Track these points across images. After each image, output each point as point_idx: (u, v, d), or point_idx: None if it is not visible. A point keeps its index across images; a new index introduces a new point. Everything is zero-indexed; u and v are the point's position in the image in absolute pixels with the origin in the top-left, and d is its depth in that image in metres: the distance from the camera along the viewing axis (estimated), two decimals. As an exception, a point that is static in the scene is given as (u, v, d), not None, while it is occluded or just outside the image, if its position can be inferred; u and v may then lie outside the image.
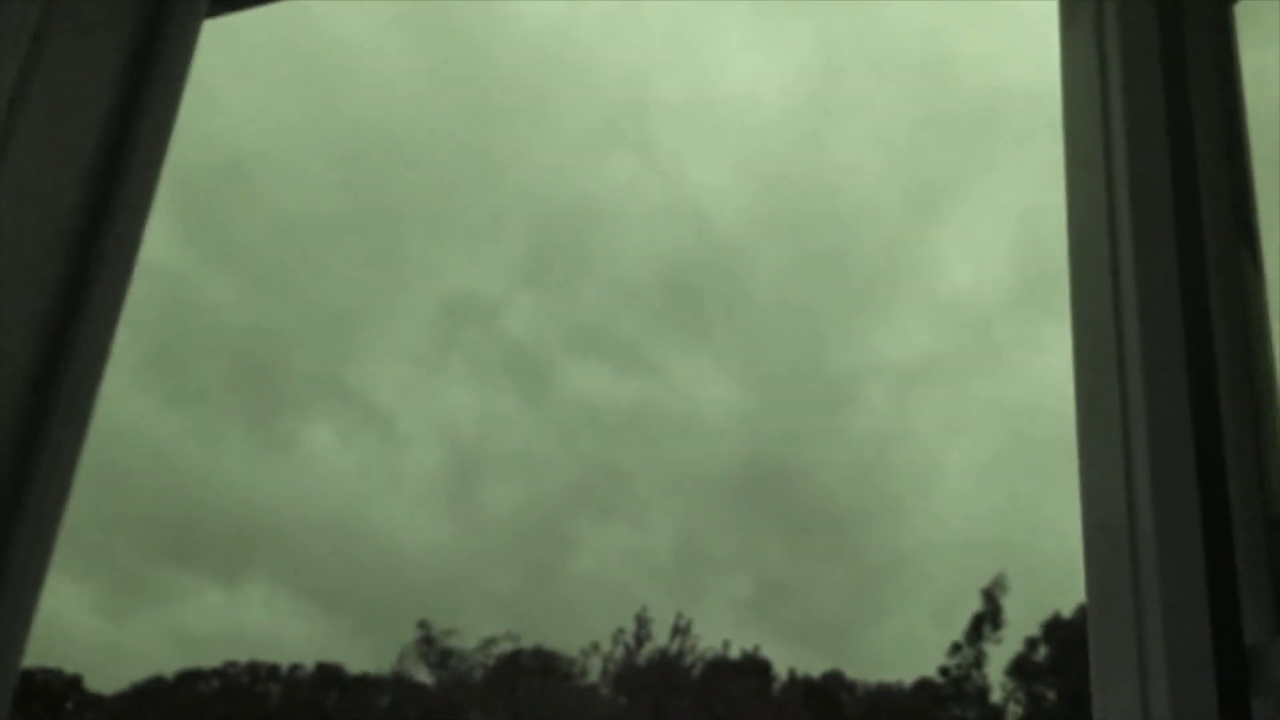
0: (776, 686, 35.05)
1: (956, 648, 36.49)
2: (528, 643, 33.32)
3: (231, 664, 37.81)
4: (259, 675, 37.75)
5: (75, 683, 37.11)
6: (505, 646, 33.45)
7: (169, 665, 38.47)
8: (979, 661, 36.15)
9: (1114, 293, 1.46)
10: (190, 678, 37.45)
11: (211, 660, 38.40)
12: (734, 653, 33.31)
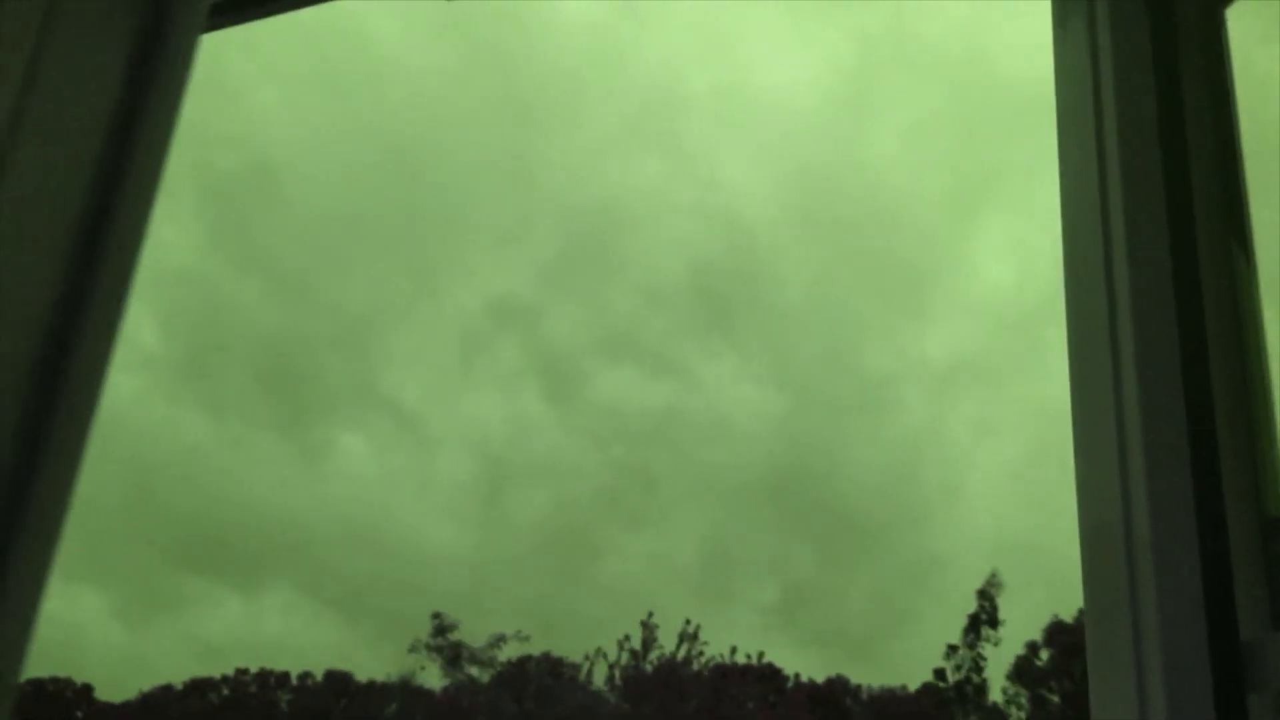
0: (783, 692, 34.99)
1: (952, 649, 36.33)
2: (548, 649, 33.28)
3: (242, 672, 37.80)
4: (268, 684, 37.74)
5: (86, 692, 37.14)
6: (515, 646, 33.48)
7: (189, 673, 38.42)
8: (977, 664, 36.00)
9: (1108, 293, 1.47)
10: (200, 686, 37.44)
11: (231, 668, 38.39)
12: (741, 658, 33.30)
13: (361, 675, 36.44)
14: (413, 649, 34.08)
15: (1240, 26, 1.55)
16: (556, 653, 33.23)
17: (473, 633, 34.15)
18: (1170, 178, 1.49)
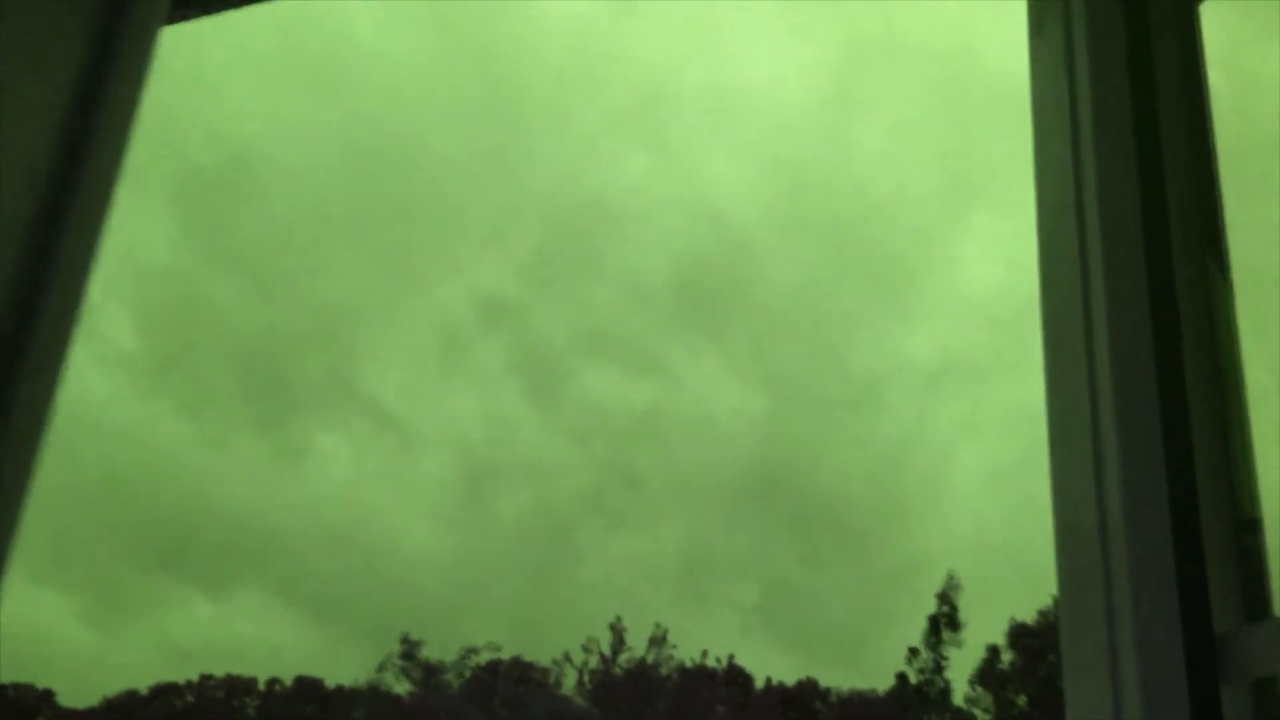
0: (752, 694, 35.02)
1: (914, 652, 36.34)
2: (522, 653, 33.12)
3: (208, 678, 37.51)
4: (235, 689, 37.46)
5: (47, 697, 36.74)
6: (486, 657, 33.39)
7: (158, 677, 37.93)
8: (938, 666, 36.06)
9: (1083, 295, 1.47)
10: (165, 692, 37.12)
11: (204, 672, 37.98)
12: (711, 661, 33.30)
13: (335, 679, 36.15)
14: (381, 669, 33.92)
15: (1214, 24, 1.57)
16: (533, 657, 33.14)
17: (444, 642, 33.97)
18: (1145, 179, 1.50)
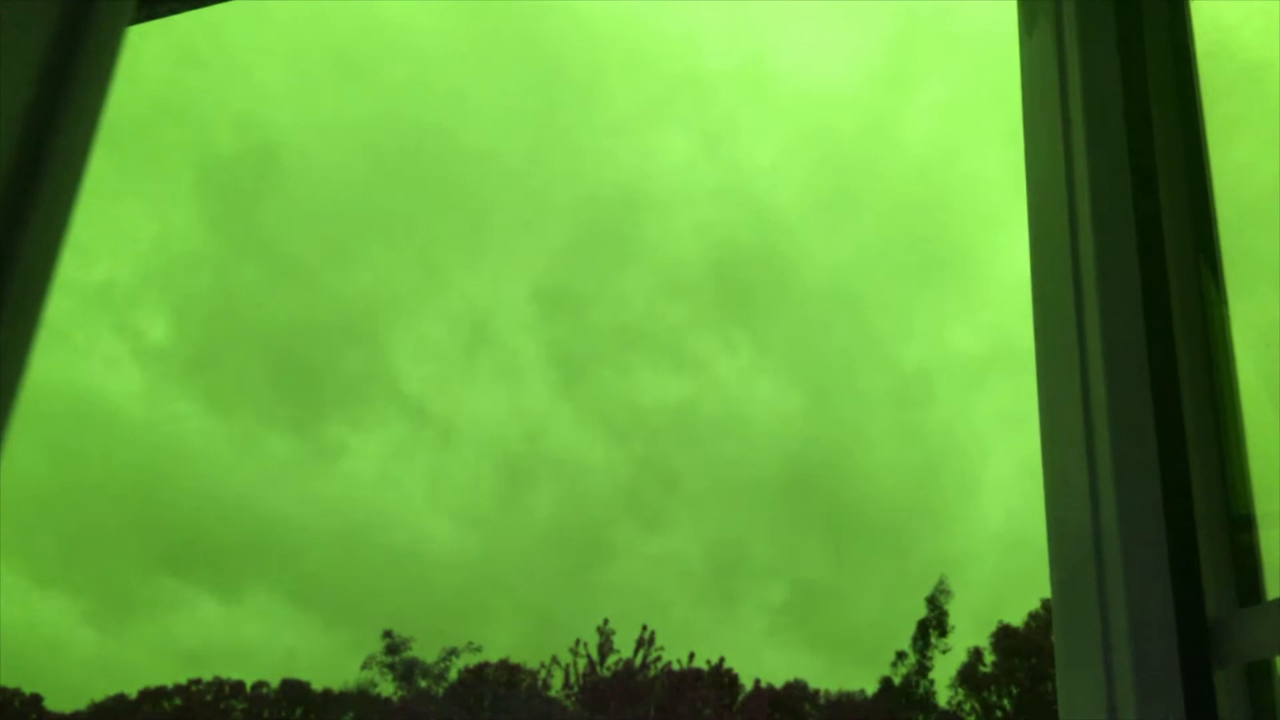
0: (740, 697, 35.00)
1: (901, 656, 36.29)
2: (551, 655, 32.94)
3: (196, 681, 37.36)
4: (222, 692, 37.34)
5: (35, 702, 36.57)
6: (468, 659, 33.33)
7: (162, 681, 37.53)
8: (922, 668, 36.01)
9: (1076, 294, 1.49)
10: (153, 695, 36.96)
11: (210, 676, 37.64)
12: (700, 663, 33.23)
13: (343, 683, 35.89)
14: (365, 666, 33.83)
15: (1205, 13, 1.57)
16: (536, 660, 32.97)
17: (462, 644, 33.67)
18: (1137, 171, 1.51)
